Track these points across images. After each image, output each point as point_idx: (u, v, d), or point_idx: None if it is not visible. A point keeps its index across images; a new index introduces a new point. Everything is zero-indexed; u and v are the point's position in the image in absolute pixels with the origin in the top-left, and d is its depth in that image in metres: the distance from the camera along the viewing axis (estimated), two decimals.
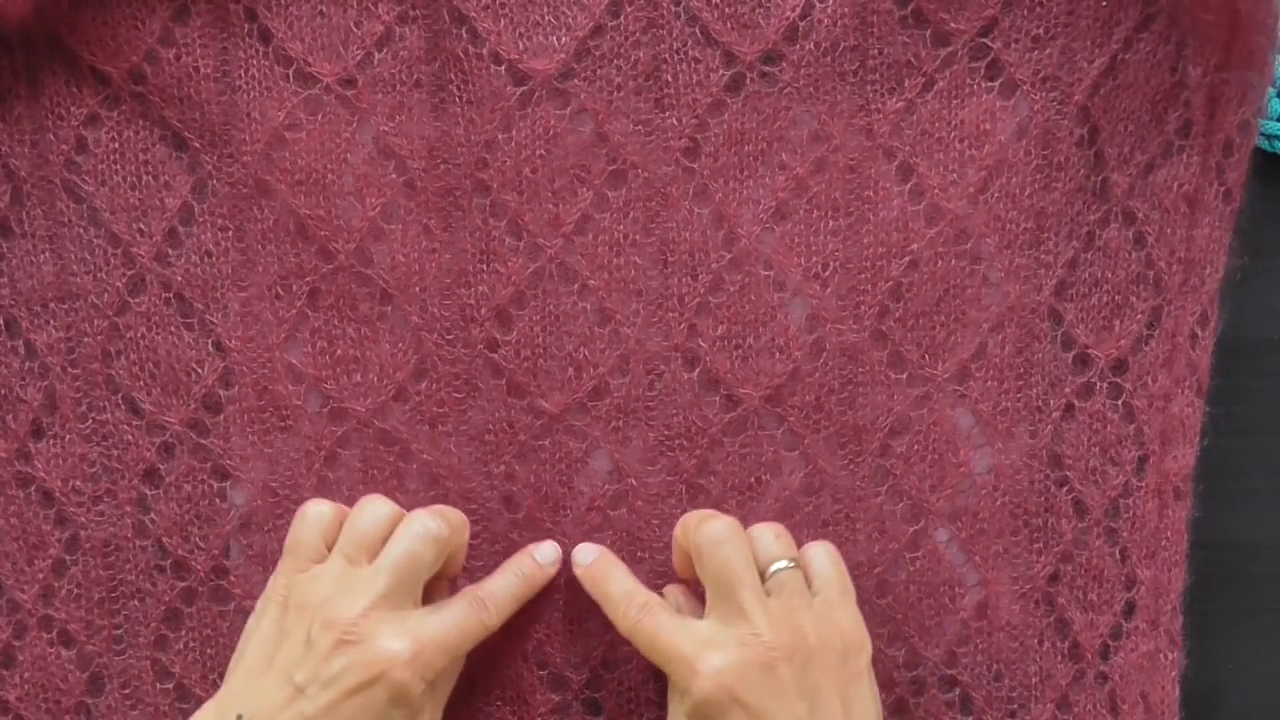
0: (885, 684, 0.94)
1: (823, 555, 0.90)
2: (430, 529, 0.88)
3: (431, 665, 0.85)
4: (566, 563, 0.94)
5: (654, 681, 0.95)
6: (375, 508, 0.89)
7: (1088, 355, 0.93)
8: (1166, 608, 0.94)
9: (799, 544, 0.92)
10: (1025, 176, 0.92)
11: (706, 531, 0.88)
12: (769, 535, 0.90)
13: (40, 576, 0.94)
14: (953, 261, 0.92)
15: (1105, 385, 0.93)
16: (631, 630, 0.88)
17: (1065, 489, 0.94)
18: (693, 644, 0.85)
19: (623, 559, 0.93)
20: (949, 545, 0.94)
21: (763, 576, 0.88)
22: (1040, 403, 0.93)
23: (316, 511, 0.89)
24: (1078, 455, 0.93)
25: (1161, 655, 0.94)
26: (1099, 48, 0.90)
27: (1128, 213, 0.92)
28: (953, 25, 0.90)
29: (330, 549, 0.89)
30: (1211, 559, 0.94)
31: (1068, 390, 0.93)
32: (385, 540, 0.88)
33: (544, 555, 0.93)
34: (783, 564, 0.88)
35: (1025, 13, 0.90)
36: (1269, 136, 0.93)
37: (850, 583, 0.90)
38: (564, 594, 0.94)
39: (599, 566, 0.92)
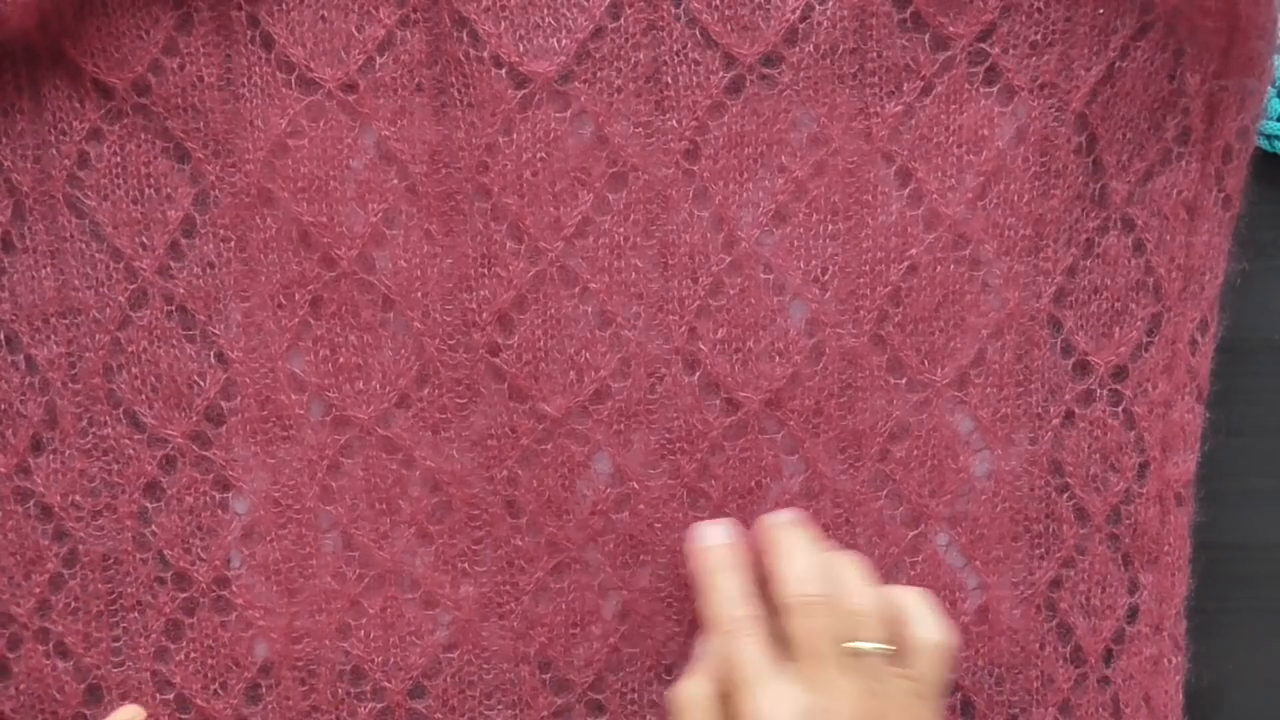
0: None
1: (933, 645, 0.87)
2: None
3: None
4: (571, 563, 0.94)
5: (658, 683, 0.94)
6: None
7: (1088, 362, 0.94)
8: (1170, 612, 0.93)
9: None
10: (1023, 183, 0.92)
11: (801, 595, 0.86)
12: (868, 603, 0.87)
13: (37, 590, 0.94)
14: (952, 267, 0.93)
15: (1105, 392, 0.93)
16: (722, 638, 0.87)
17: (1066, 495, 0.94)
18: (769, 691, 0.83)
19: (625, 562, 0.93)
20: (949, 550, 0.94)
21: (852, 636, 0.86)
22: (1040, 410, 0.94)
23: None
24: (1078, 462, 0.94)
25: (1165, 660, 0.94)
26: (1096, 55, 0.91)
27: (1127, 220, 0.93)
28: (951, 29, 0.91)
29: None
30: (1212, 559, 0.94)
31: (1068, 397, 0.94)
32: None
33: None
34: (878, 646, 0.86)
35: (1023, 18, 0.91)
36: (1269, 136, 0.94)
37: (946, 677, 0.88)
38: (567, 596, 0.94)
39: (720, 556, 0.90)
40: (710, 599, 0.89)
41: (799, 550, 0.89)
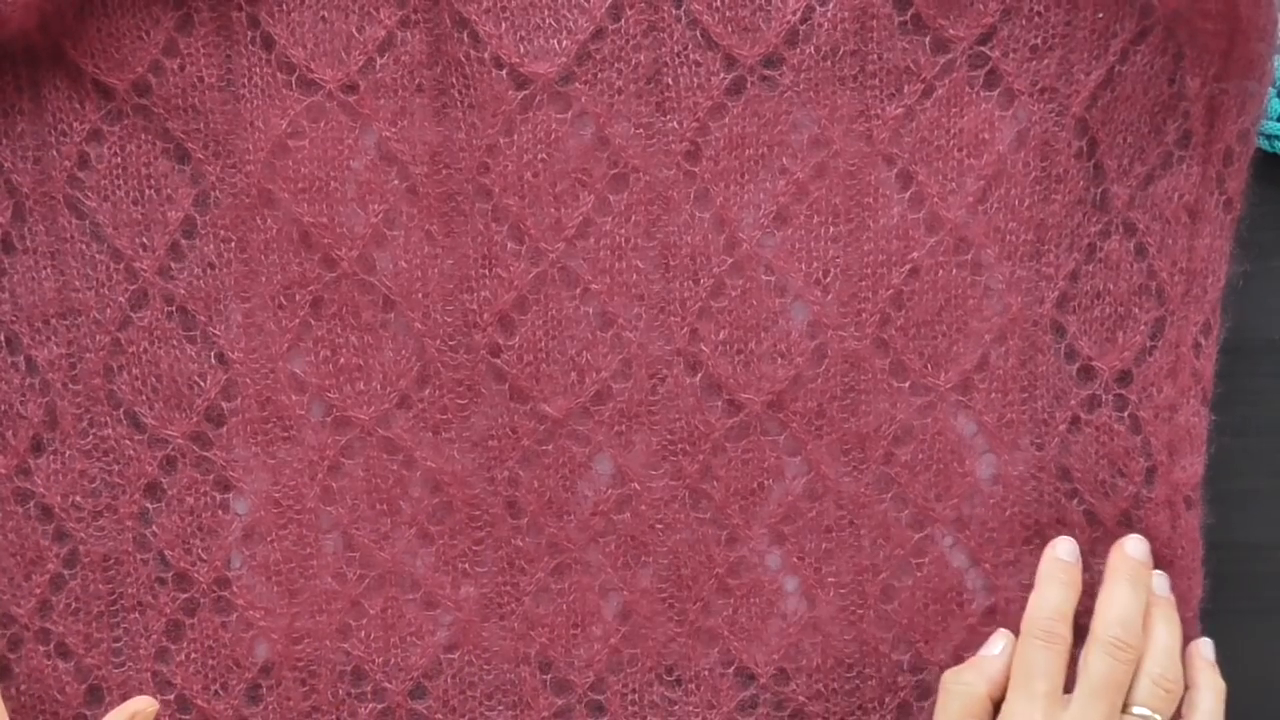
0: (890, 688, 0.94)
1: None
2: None
3: None
4: (572, 564, 0.94)
5: (659, 684, 0.95)
6: None
7: (1092, 367, 0.93)
8: (1186, 614, 0.93)
9: (806, 549, 0.93)
10: (1024, 187, 0.92)
11: (1117, 638, 0.87)
12: (1170, 676, 0.88)
13: (37, 591, 0.94)
14: (954, 271, 0.93)
15: (1111, 397, 0.93)
16: (1028, 641, 0.88)
17: (1076, 500, 0.93)
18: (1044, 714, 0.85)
19: (626, 563, 0.94)
20: (955, 551, 0.94)
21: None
22: (1046, 415, 0.93)
23: None
24: (1086, 468, 0.93)
25: None
26: (1096, 59, 0.91)
27: (1128, 224, 0.92)
28: (951, 32, 0.91)
29: None
30: (1212, 559, 0.94)
31: (1073, 403, 0.93)
32: None
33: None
34: (1153, 717, 0.87)
35: (1024, 22, 0.91)
36: (1269, 136, 0.94)
37: None
38: (568, 597, 0.94)
39: (1065, 570, 0.91)
40: (1037, 603, 0.89)
41: (1134, 591, 0.89)
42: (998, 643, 0.91)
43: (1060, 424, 0.93)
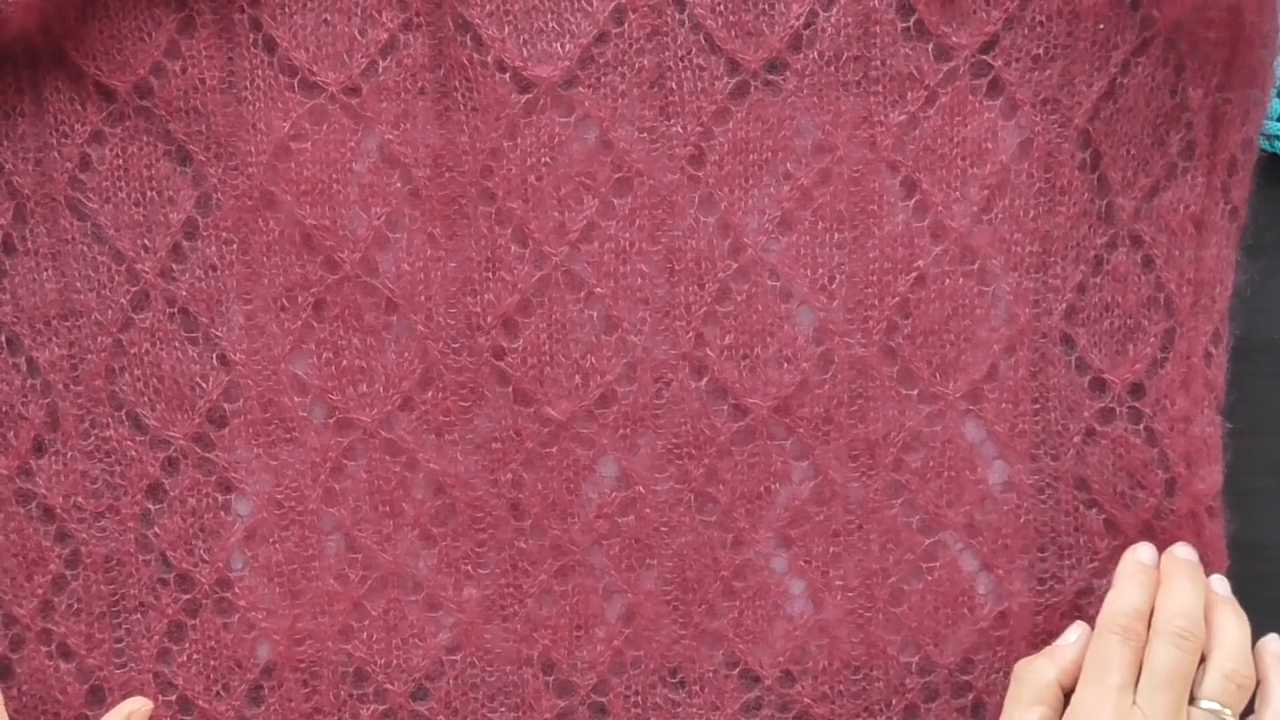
0: (897, 690, 0.94)
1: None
2: None
3: None
4: (575, 566, 0.94)
5: (662, 686, 0.95)
6: None
7: (1104, 380, 0.93)
8: None
9: (813, 553, 0.93)
10: (1028, 199, 0.92)
11: (1180, 627, 0.87)
12: (1238, 666, 0.87)
13: (39, 592, 0.94)
14: (960, 280, 0.92)
15: (1124, 410, 0.93)
16: (1103, 633, 0.88)
17: (1095, 510, 0.93)
18: (1112, 706, 0.85)
19: (630, 566, 0.94)
20: (966, 556, 0.94)
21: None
22: (1059, 427, 0.93)
23: None
24: (1104, 480, 0.93)
25: None
26: (1098, 71, 0.91)
27: (1135, 236, 0.92)
28: (954, 39, 0.91)
29: None
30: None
31: (1086, 415, 0.93)
32: None
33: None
34: (1225, 712, 0.86)
35: (1026, 31, 0.91)
36: (1269, 137, 0.94)
37: None
38: (570, 599, 0.95)
39: (1144, 572, 0.91)
40: (1116, 600, 0.89)
41: (1193, 585, 0.89)
42: (1073, 633, 0.91)
43: (1075, 436, 0.93)
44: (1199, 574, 0.91)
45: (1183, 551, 0.92)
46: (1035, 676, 0.88)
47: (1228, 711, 0.86)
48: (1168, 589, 0.89)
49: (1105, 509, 0.93)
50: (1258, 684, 0.89)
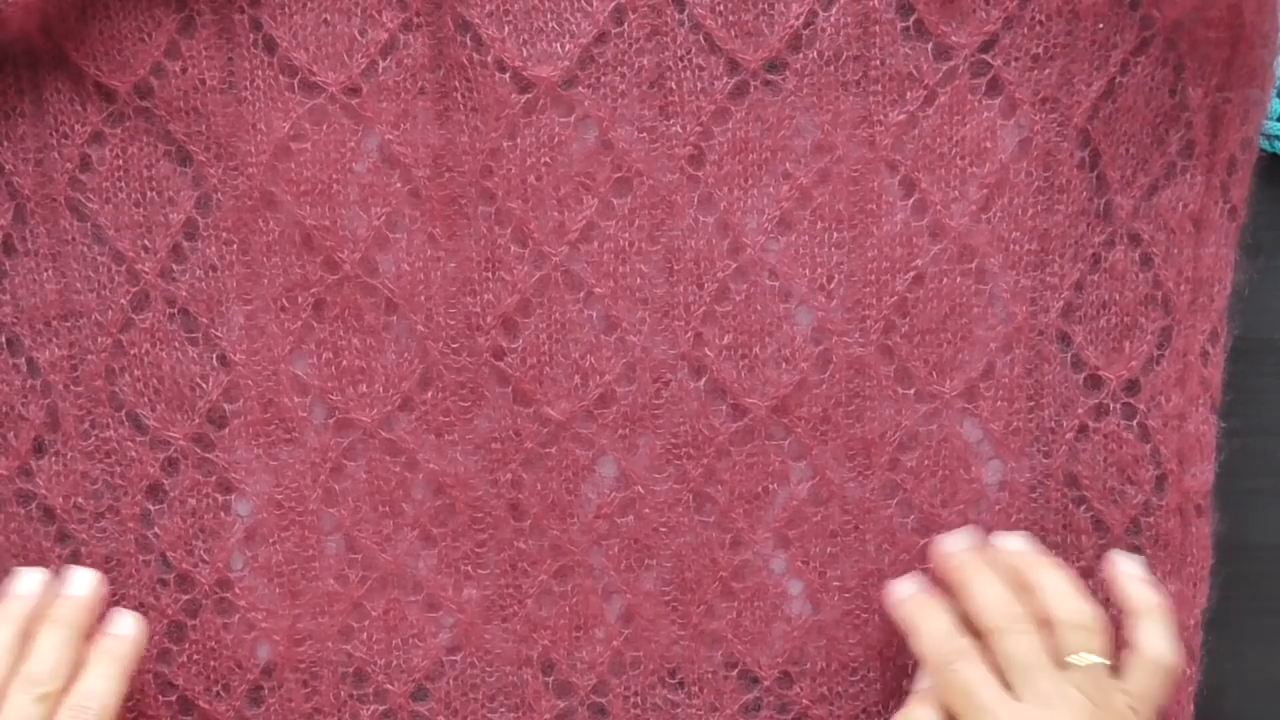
0: (895, 691, 0.94)
1: (1156, 663, 0.86)
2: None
3: None
4: (575, 567, 0.94)
5: (661, 687, 0.95)
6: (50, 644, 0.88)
7: (1099, 377, 0.93)
8: (1189, 622, 0.93)
9: (811, 554, 0.93)
10: (1027, 197, 0.92)
11: (1007, 616, 0.85)
12: (1079, 615, 0.86)
13: None
14: (958, 279, 0.93)
15: (1119, 406, 0.93)
16: (943, 670, 0.86)
17: (1084, 508, 0.93)
18: (1009, 715, 0.83)
19: (629, 566, 0.94)
20: None
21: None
22: (1053, 424, 0.93)
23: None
24: (1094, 475, 0.93)
25: (1179, 670, 0.93)
26: (1097, 70, 0.91)
27: (1133, 235, 0.92)
28: (954, 39, 0.91)
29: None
30: (1214, 559, 0.94)
31: (1080, 412, 0.93)
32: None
33: (122, 627, 0.91)
34: (1097, 660, 0.85)
35: (1025, 30, 0.91)
36: (1269, 137, 0.94)
37: (1166, 696, 0.87)
38: (570, 599, 0.95)
39: (919, 600, 0.89)
40: (922, 641, 0.88)
41: (984, 575, 0.88)
42: (924, 681, 0.90)
43: (1068, 432, 0.93)
44: (980, 563, 0.89)
45: (950, 548, 0.91)
46: None
47: (1092, 657, 0.84)
48: (967, 593, 0.88)
49: (1093, 505, 0.93)
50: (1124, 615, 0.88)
